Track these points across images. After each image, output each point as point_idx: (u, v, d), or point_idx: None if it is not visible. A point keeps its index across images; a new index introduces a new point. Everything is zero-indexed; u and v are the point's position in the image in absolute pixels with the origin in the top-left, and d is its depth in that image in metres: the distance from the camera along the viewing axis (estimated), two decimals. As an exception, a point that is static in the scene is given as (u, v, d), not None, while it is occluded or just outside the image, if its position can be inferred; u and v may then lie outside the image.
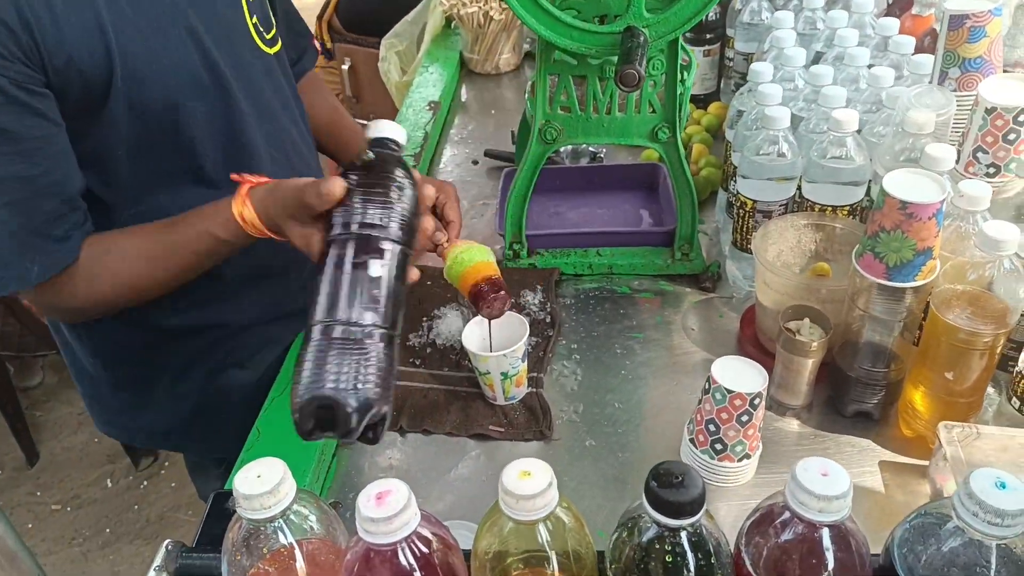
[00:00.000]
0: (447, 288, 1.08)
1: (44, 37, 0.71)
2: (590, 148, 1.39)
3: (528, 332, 0.88)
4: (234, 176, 0.79)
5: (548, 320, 1.02)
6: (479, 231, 1.25)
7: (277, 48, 0.99)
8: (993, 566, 0.43)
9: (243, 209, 0.77)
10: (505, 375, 0.87)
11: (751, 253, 0.92)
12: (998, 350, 0.75)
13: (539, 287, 1.07)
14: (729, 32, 1.39)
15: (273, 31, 0.98)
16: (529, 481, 0.44)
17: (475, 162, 1.46)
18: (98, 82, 0.77)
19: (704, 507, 0.44)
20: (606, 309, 1.06)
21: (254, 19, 0.93)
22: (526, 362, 0.89)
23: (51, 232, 0.78)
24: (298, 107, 1.04)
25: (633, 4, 0.88)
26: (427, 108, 1.57)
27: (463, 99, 1.74)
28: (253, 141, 0.93)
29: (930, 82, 0.95)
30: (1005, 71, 0.99)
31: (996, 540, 0.43)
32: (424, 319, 1.03)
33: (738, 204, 1.00)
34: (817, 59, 1.16)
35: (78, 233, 0.81)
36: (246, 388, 1.01)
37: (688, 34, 1.38)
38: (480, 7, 1.75)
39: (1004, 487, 0.43)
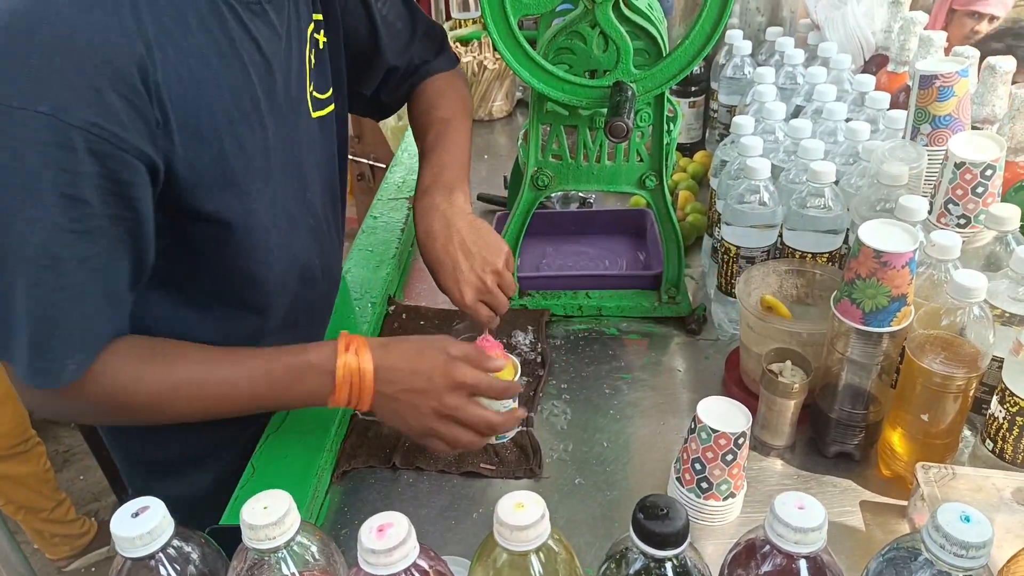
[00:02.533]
0: (440, 329, 1.11)
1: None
2: (580, 194, 1.43)
3: (520, 372, 0.90)
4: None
5: (539, 360, 1.05)
6: (472, 273, 1.28)
7: (327, 111, 0.93)
8: (960, 596, 0.46)
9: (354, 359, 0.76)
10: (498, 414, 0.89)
11: (735, 297, 0.96)
12: (971, 393, 0.78)
13: (530, 328, 1.10)
14: (713, 85, 1.45)
15: (329, 91, 0.93)
16: (523, 512, 0.46)
17: (468, 205, 1.49)
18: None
19: (688, 538, 0.46)
20: (595, 350, 1.08)
21: (311, 87, 0.89)
22: (517, 402, 0.91)
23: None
24: (329, 166, 0.96)
25: (622, 61, 0.92)
26: (422, 152, 1.61)
27: (457, 144, 1.79)
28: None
29: (903, 137, 1.00)
30: (974, 127, 1.05)
31: (962, 571, 0.46)
32: (418, 358, 1.06)
33: (722, 250, 1.04)
34: (797, 113, 1.21)
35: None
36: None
37: (675, 86, 1.44)
38: (475, 56, 1.82)
39: (969, 520, 0.45)
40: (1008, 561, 0.52)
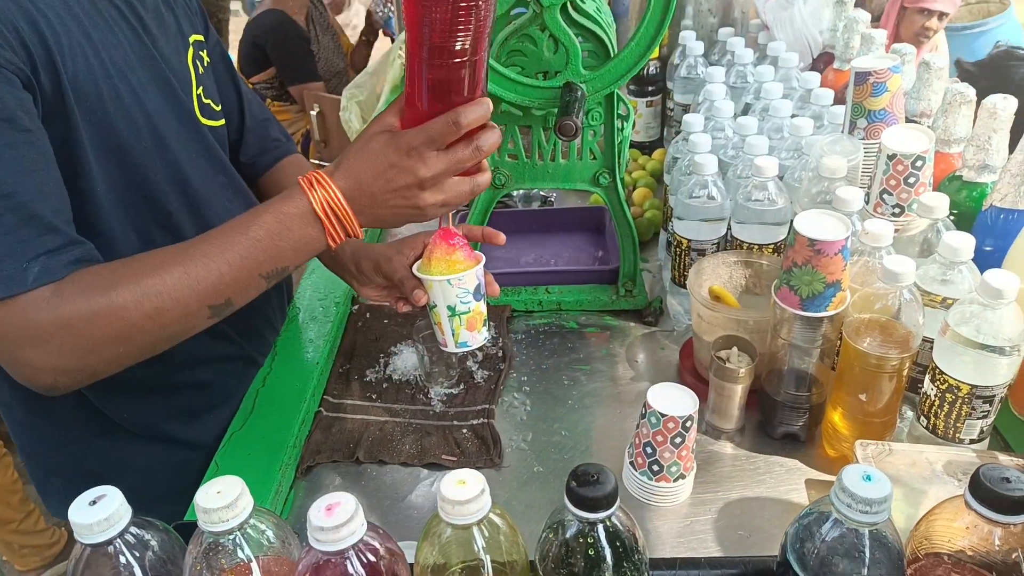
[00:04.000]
0: (403, 326, 1.13)
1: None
2: (541, 192, 1.46)
3: (483, 263, 0.85)
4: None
5: (500, 355, 1.08)
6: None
7: (217, 123, 0.99)
8: (868, 549, 0.49)
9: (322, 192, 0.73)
10: (453, 310, 0.84)
11: (688, 288, 0.99)
12: (905, 373, 0.83)
13: (492, 323, 1.12)
14: (669, 85, 1.49)
15: (219, 107, 1.00)
16: (464, 488, 0.49)
17: (432, 206, 1.52)
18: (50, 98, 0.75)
19: (618, 502, 0.49)
20: (555, 343, 1.11)
21: (199, 90, 0.94)
22: (481, 302, 0.86)
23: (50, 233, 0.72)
24: (216, 180, 0.98)
25: (571, 62, 0.96)
26: (387, 155, 1.64)
27: (422, 147, 1.82)
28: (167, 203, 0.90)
29: (842, 131, 1.04)
30: (911, 121, 1.09)
31: (867, 527, 0.49)
32: (381, 355, 1.08)
33: (675, 243, 1.08)
34: (747, 110, 1.25)
35: (76, 250, 0.73)
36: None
37: (632, 86, 1.47)
38: (438, 60, 1.84)
39: (870, 479, 0.49)
40: (920, 519, 0.56)
